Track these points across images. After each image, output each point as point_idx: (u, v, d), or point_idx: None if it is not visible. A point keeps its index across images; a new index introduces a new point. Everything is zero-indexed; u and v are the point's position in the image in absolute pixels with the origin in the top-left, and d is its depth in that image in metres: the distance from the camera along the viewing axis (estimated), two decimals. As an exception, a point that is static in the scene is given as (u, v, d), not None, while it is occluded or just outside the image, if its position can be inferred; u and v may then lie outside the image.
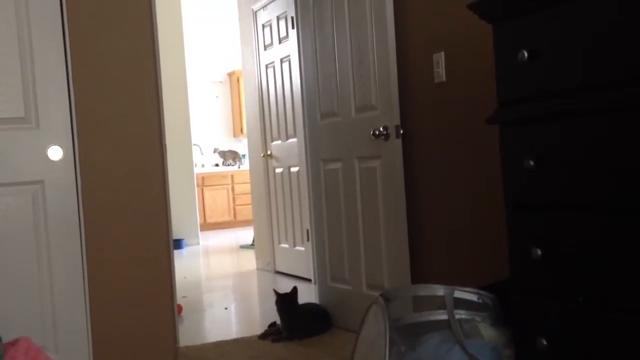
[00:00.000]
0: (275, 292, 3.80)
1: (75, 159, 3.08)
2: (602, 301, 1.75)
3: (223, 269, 6.66)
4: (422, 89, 3.35)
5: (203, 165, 10.73)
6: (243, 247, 8.05)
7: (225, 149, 10.69)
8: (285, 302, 3.76)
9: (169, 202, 3.31)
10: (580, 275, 1.80)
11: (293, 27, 5.44)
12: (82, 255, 3.09)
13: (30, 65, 2.99)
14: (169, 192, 3.30)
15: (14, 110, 2.97)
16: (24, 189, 2.99)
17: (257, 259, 6.54)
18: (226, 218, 10.31)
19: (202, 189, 10.13)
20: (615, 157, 1.69)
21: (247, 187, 10.00)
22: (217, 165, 10.82)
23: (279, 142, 5.93)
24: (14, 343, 2.49)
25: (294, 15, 5.37)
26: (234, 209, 10.39)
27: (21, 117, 2.98)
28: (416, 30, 3.37)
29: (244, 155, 10.82)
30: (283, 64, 5.72)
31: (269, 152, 6.12)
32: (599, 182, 1.74)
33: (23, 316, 2.97)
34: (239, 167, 10.52)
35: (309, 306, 3.96)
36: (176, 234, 8.40)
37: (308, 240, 5.42)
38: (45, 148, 3.02)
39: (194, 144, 10.10)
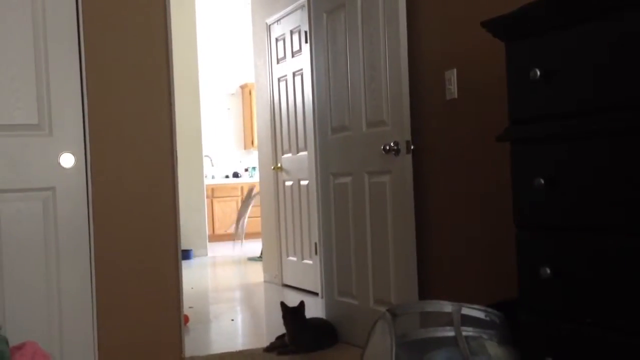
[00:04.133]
0: (283, 305, 3.79)
1: (87, 166, 3.10)
2: (611, 322, 1.74)
3: (230, 280, 6.66)
4: (434, 105, 3.36)
5: (213, 177, 10.76)
6: (251, 259, 8.04)
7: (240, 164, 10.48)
8: (293, 315, 3.75)
9: (179, 213, 3.32)
10: (590, 296, 1.79)
11: (306, 42, 5.47)
12: (90, 262, 3.10)
13: (45, 73, 3.02)
14: (178, 202, 3.31)
15: (28, 117, 3.00)
16: (35, 195, 3.01)
17: (264, 271, 6.54)
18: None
19: (212, 200, 10.15)
20: (627, 179, 1.69)
21: (257, 200, 10.01)
22: (227, 177, 10.85)
23: (289, 155, 5.95)
24: (20, 347, 2.50)
25: (307, 29, 5.40)
26: (243, 221, 10.40)
27: (34, 124, 3.01)
28: (428, 46, 3.38)
29: (254, 168, 10.85)
30: (295, 78, 5.75)
31: (279, 165, 6.13)
32: (610, 203, 1.73)
33: (30, 321, 2.98)
34: (251, 176, 10.55)
35: (315, 320, 3.95)
36: (185, 244, 8.41)
37: (316, 254, 5.42)
38: (57, 155, 3.04)
39: (205, 155, 10.13)
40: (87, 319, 3.10)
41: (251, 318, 4.87)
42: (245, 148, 11.06)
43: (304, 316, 3.79)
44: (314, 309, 4.69)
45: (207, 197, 9.96)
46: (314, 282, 5.48)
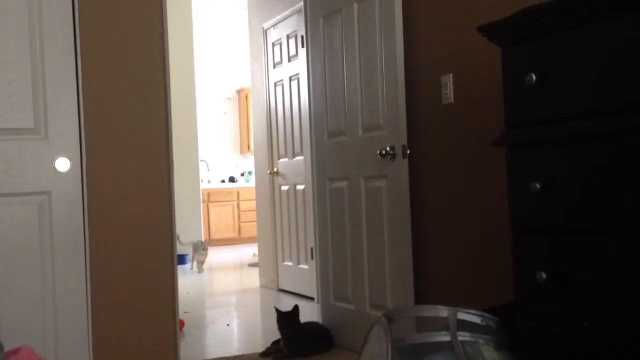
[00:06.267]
0: (277, 310, 3.79)
1: (83, 171, 3.10)
2: (608, 326, 1.74)
3: (226, 285, 6.65)
4: (430, 110, 3.36)
5: (209, 181, 10.75)
6: (252, 265, 7.93)
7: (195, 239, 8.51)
8: (287, 320, 3.74)
9: (174, 217, 3.31)
10: (586, 299, 1.79)
11: (303, 46, 5.47)
12: (85, 267, 3.10)
13: (41, 76, 3.02)
14: (174, 207, 3.31)
15: (24, 121, 2.99)
16: (30, 199, 3.00)
17: (260, 276, 6.53)
18: (231, 234, 10.31)
19: (208, 205, 10.14)
20: (622, 182, 1.69)
21: (253, 204, 10.00)
22: (223, 181, 10.84)
23: (285, 159, 5.94)
24: (15, 352, 2.49)
25: (303, 34, 5.41)
26: (239, 225, 10.39)
27: (30, 128, 3.01)
28: (425, 51, 3.38)
29: (250, 173, 10.84)
30: (292, 82, 5.75)
31: (275, 170, 6.13)
32: (607, 206, 1.73)
33: (25, 326, 2.97)
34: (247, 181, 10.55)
35: (311, 325, 3.94)
36: (180, 249, 8.38)
37: (312, 258, 5.41)
38: (53, 159, 3.03)
39: (201, 160, 10.12)
40: (82, 324, 3.08)
41: (247, 323, 4.86)
42: (241, 152, 11.06)
43: (299, 321, 3.79)
44: (310, 314, 4.68)
45: (203, 201, 9.94)
46: (310, 286, 5.47)
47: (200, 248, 7.59)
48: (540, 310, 1.93)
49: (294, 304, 3.86)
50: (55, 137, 3.04)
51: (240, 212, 10.39)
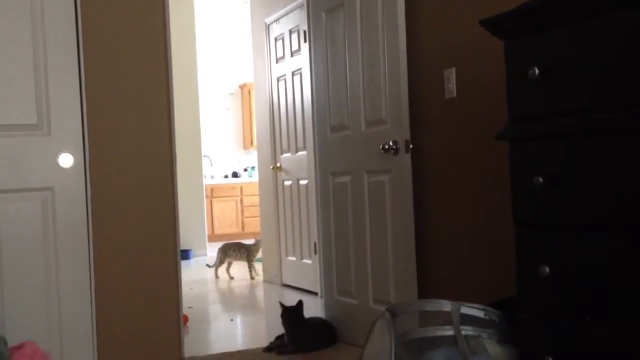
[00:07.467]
0: (281, 304, 3.79)
1: (86, 166, 3.10)
2: (610, 320, 1.74)
3: (230, 280, 6.65)
4: (433, 104, 3.35)
5: (212, 177, 10.75)
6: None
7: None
8: (291, 315, 3.75)
9: (178, 213, 3.31)
10: (589, 294, 1.79)
11: (305, 41, 5.46)
12: (89, 262, 3.10)
13: (44, 72, 3.02)
14: (177, 202, 3.31)
15: (27, 117, 2.99)
16: (34, 195, 3.01)
17: (264, 271, 6.54)
18: (234, 230, 10.31)
19: (211, 200, 10.14)
20: (626, 178, 1.68)
21: (256, 199, 10.00)
22: (226, 176, 10.85)
23: (288, 154, 5.94)
24: (19, 347, 2.50)
25: (306, 29, 5.40)
26: (242, 220, 10.39)
27: (33, 124, 3.01)
28: (427, 45, 3.38)
29: (253, 168, 10.83)
30: (294, 77, 5.74)
31: (278, 165, 6.13)
32: (610, 202, 1.73)
33: (29, 321, 2.98)
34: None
35: (314, 320, 3.95)
36: (184, 244, 8.40)
37: (315, 253, 5.42)
38: (56, 155, 3.04)
39: (204, 155, 10.12)
40: (86, 319, 3.09)
41: (250, 318, 4.87)
42: (244, 148, 11.05)
43: (303, 315, 3.79)
44: (314, 309, 4.69)
45: (207, 197, 9.94)
46: (314, 281, 5.48)
47: (246, 252, 6.60)
48: (543, 305, 1.93)
49: (297, 299, 3.86)
50: (58, 133, 3.05)
51: (244, 208, 10.39)
